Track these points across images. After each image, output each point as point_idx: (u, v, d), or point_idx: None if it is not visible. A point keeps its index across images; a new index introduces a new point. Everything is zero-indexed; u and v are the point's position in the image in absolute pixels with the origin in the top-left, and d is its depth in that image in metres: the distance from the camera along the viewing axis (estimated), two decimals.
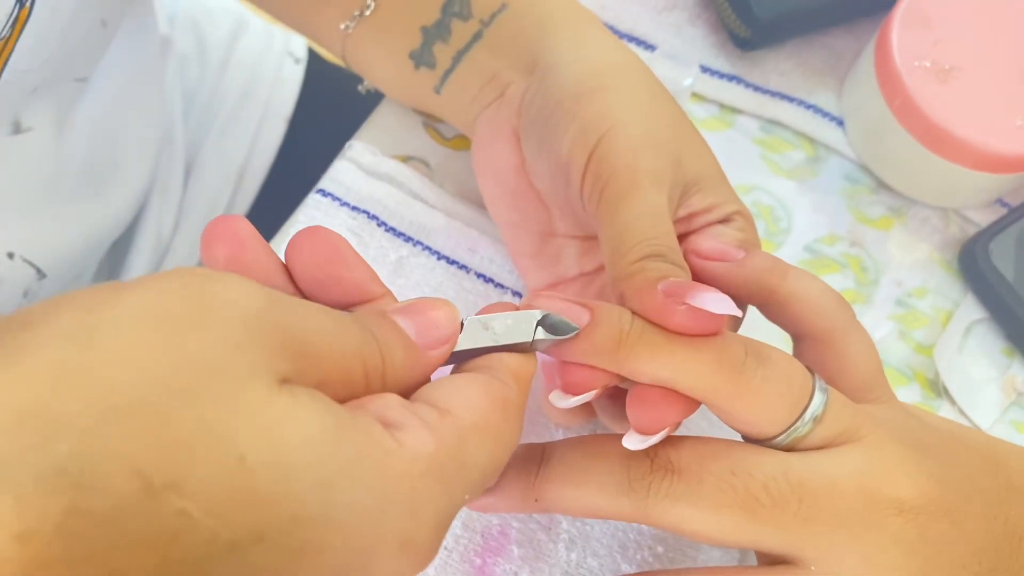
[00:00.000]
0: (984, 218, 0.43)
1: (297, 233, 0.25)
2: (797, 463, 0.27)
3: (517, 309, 0.28)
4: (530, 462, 0.29)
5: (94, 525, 0.18)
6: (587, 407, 0.33)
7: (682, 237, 0.33)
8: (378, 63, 0.40)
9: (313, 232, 0.25)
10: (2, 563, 0.17)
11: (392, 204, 0.41)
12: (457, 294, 0.40)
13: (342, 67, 0.54)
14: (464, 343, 0.26)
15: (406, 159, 0.43)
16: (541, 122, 0.34)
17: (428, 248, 0.41)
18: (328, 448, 0.21)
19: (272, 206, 0.57)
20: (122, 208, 0.50)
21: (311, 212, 0.41)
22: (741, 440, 0.29)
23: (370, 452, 0.21)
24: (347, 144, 0.42)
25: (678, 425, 0.28)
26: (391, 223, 0.41)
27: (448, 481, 0.23)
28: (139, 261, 0.54)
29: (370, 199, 0.41)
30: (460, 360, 0.27)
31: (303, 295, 0.26)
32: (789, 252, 0.43)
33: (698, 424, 0.38)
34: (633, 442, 0.27)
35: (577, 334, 0.27)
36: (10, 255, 0.43)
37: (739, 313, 0.27)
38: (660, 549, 0.36)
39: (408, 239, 0.41)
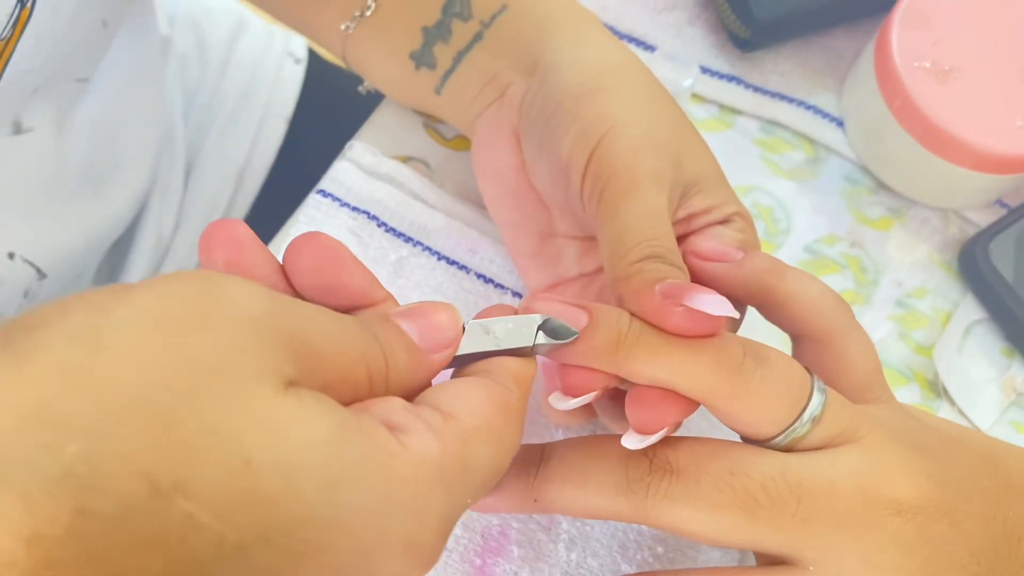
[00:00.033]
0: (984, 219, 0.43)
1: (294, 241, 0.25)
2: (795, 463, 0.27)
3: (516, 311, 0.28)
4: (529, 463, 0.29)
5: (101, 527, 0.18)
6: (587, 408, 0.33)
7: (682, 238, 0.33)
8: (378, 63, 0.40)
9: (311, 239, 0.25)
10: (10, 564, 0.17)
11: (392, 204, 0.41)
12: (457, 294, 0.40)
13: (342, 67, 0.54)
14: (465, 347, 0.26)
15: (406, 159, 0.43)
16: (541, 123, 0.34)
17: (428, 248, 0.41)
18: (333, 449, 0.21)
19: (272, 206, 0.58)
20: (122, 208, 0.50)
21: (311, 212, 0.41)
22: (740, 441, 0.29)
23: (374, 455, 0.21)
24: (347, 144, 0.42)
25: (678, 425, 0.29)
26: (391, 223, 0.41)
27: (451, 484, 0.23)
28: (139, 261, 0.54)
29: (370, 199, 0.41)
30: (461, 364, 0.27)
31: (303, 299, 0.26)
32: (789, 253, 0.43)
33: (698, 425, 0.38)
34: (632, 441, 0.27)
35: (576, 337, 0.27)
36: (10, 255, 0.43)
37: (736, 315, 0.27)
38: (660, 549, 0.36)
39: (408, 239, 0.41)
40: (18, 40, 0.36)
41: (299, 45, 0.62)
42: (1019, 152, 0.40)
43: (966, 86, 0.40)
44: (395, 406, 0.23)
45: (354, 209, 0.41)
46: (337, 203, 0.41)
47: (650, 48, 0.45)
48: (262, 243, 0.25)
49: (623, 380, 0.28)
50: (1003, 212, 0.44)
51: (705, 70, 0.45)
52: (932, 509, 0.27)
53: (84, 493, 0.18)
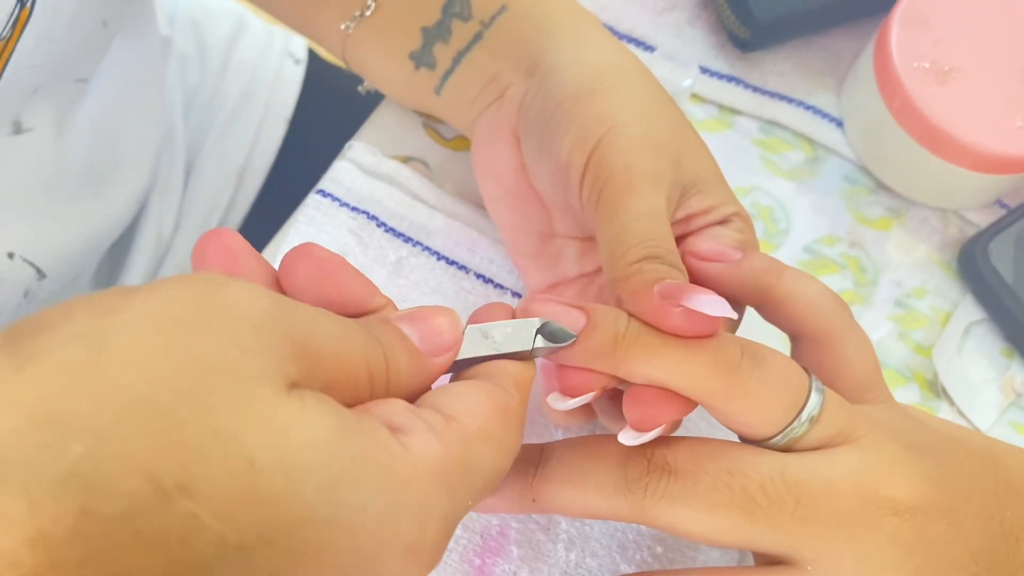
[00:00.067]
0: (983, 219, 0.43)
1: (288, 254, 0.25)
2: (794, 463, 0.27)
3: (509, 309, 0.28)
4: (528, 463, 0.29)
5: (105, 527, 0.18)
6: (587, 408, 0.33)
7: (680, 238, 0.33)
8: (378, 64, 0.40)
9: (305, 252, 0.25)
10: (15, 565, 0.17)
11: (392, 205, 0.41)
12: (457, 294, 0.40)
13: (342, 68, 0.54)
14: (465, 351, 0.26)
15: (406, 160, 0.43)
16: (541, 123, 0.34)
17: (428, 249, 0.41)
18: (334, 450, 0.21)
19: (272, 207, 0.58)
20: (122, 208, 0.50)
21: (311, 212, 0.41)
22: (738, 441, 0.29)
23: (376, 455, 0.21)
24: (347, 144, 0.42)
25: (677, 425, 0.29)
26: (391, 224, 0.41)
27: (453, 486, 0.23)
28: (139, 261, 0.54)
29: (370, 200, 0.41)
30: (460, 368, 0.27)
31: None
32: (788, 253, 0.43)
33: (696, 424, 0.38)
34: (628, 437, 0.27)
35: (574, 340, 0.27)
36: (10, 255, 0.43)
37: (734, 315, 0.27)
38: (659, 549, 0.36)
39: (408, 240, 0.41)
40: (18, 40, 0.36)
41: (299, 45, 0.62)
42: (1019, 152, 0.40)
43: (965, 86, 0.40)
44: (397, 407, 0.23)
45: (354, 209, 0.41)
46: (337, 203, 0.41)
47: (650, 48, 0.45)
48: (256, 252, 0.25)
49: (622, 380, 0.28)
50: (1002, 212, 0.44)
51: (705, 70, 0.45)
52: (930, 509, 0.27)
53: (88, 493, 0.18)
